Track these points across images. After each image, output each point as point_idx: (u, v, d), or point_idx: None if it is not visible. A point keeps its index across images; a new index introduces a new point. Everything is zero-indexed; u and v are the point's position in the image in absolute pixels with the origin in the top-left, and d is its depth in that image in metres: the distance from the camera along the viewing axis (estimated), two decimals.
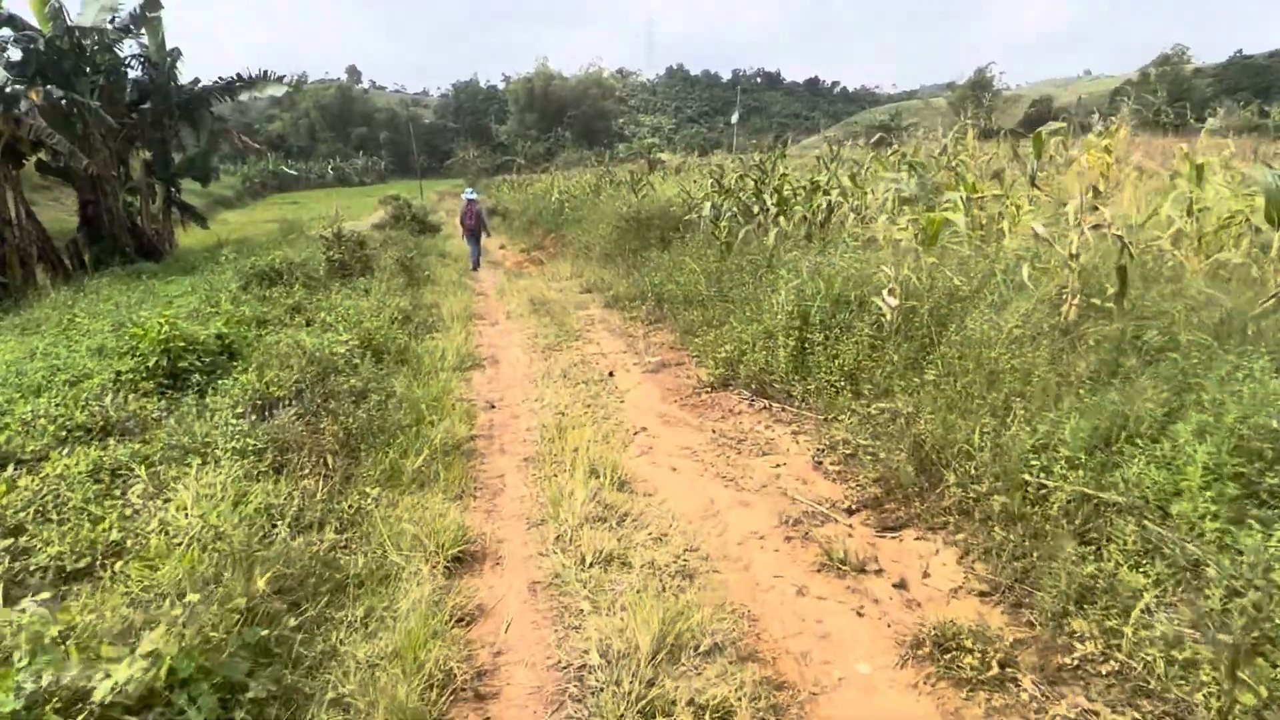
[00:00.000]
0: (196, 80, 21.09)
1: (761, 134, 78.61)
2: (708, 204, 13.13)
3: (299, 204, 54.50)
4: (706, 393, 7.81)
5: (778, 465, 6.00)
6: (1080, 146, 11.48)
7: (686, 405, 7.52)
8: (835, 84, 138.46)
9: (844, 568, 4.48)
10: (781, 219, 11.85)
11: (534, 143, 79.93)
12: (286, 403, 6.40)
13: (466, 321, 11.46)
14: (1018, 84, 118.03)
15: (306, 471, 5.27)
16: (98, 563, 4.09)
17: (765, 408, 7.24)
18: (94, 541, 4.24)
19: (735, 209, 13.32)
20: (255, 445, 5.32)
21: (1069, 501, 4.46)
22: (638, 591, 4.09)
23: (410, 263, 14.08)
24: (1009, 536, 4.44)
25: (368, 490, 5.22)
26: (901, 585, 4.35)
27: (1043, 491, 4.65)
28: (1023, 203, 9.45)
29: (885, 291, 7.30)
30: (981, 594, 4.20)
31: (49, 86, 16.83)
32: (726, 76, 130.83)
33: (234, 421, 5.59)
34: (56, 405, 6.37)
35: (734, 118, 57.19)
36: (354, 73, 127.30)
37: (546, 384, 8.25)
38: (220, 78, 20.94)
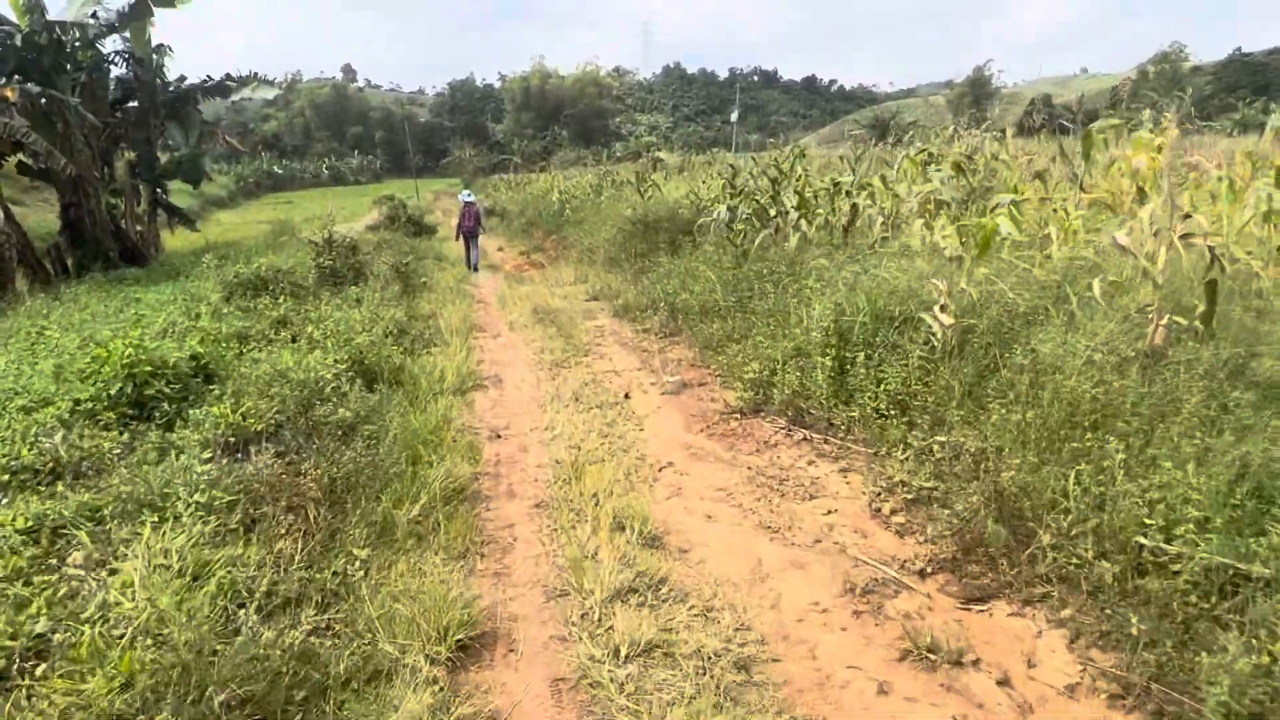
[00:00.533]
0: (183, 78, 20.24)
1: (772, 132, 77.71)
2: (722, 206, 12.33)
3: (293, 204, 53.58)
4: (736, 419, 7.00)
5: (829, 512, 5.20)
6: (1127, 145, 10.72)
7: (715, 435, 6.71)
8: (833, 82, 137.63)
9: (933, 657, 3.68)
10: (803, 223, 11.05)
11: (530, 141, 79.08)
12: (264, 440, 5.59)
13: (466, 334, 10.64)
14: (1014, 82, 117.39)
15: (283, 530, 4.46)
16: (15, 667, 3.28)
17: (805, 439, 6.44)
18: (16, 634, 3.43)
19: (750, 212, 12.52)
20: (223, 499, 4.50)
21: (1202, 573, 3.68)
22: (690, 699, 3.29)
23: (405, 269, 13.25)
24: (1132, 619, 3.64)
25: (355, 551, 4.41)
26: (1005, 681, 3.55)
27: (1164, 559, 3.87)
28: (1069, 207, 8.67)
29: (936, 307, 6.51)
30: (1111, 696, 3.41)
31: (27, 84, 15.96)
32: (724, 75, 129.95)
33: (200, 468, 4.75)
34: (3, 441, 5.56)
35: (734, 115, 56.30)
36: (349, 71, 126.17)
37: (557, 408, 7.44)
38: (209, 77, 20.06)
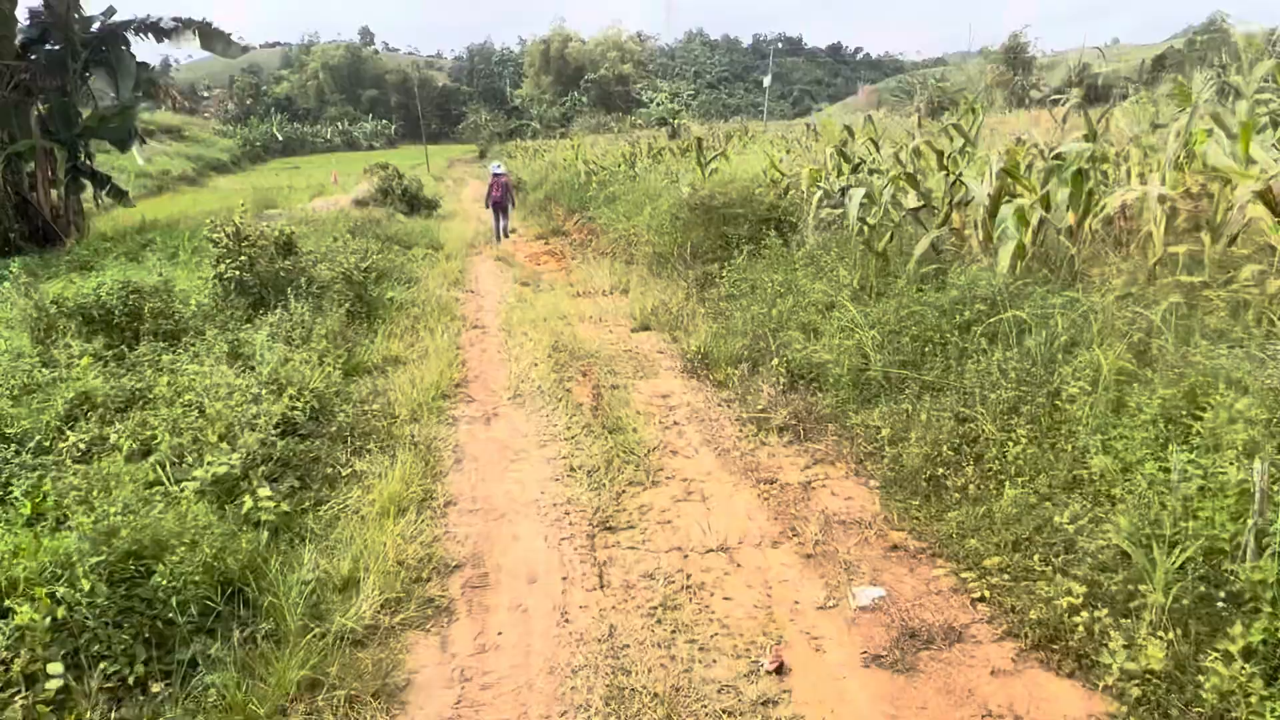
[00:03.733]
0: (112, 10, 15.37)
1: (797, 100, 71.59)
2: (857, 190, 7.48)
3: (299, 169, 49.32)
4: None
5: None
6: None
7: None
8: (858, 50, 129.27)
9: None
10: (1009, 226, 6.31)
11: (549, 107, 73.78)
12: None
13: (438, 413, 5.97)
14: (1046, 51, 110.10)
15: None
16: None
17: None
18: None
19: (889, 199, 7.77)
20: None
21: None
22: None
23: (365, 277, 8.57)
24: None
25: None
26: None
27: None
28: None
29: None
30: None
31: None
32: (747, 41, 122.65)
33: None
34: None
35: (766, 81, 50.67)
36: (366, 34, 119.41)
37: None
38: (150, 15, 15.20)
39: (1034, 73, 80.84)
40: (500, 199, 16.53)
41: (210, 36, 15.84)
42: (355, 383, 6.45)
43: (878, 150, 9.66)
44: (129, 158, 30.37)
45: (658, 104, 70.56)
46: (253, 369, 5.83)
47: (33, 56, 15.22)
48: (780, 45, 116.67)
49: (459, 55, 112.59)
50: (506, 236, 16.68)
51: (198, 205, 24.35)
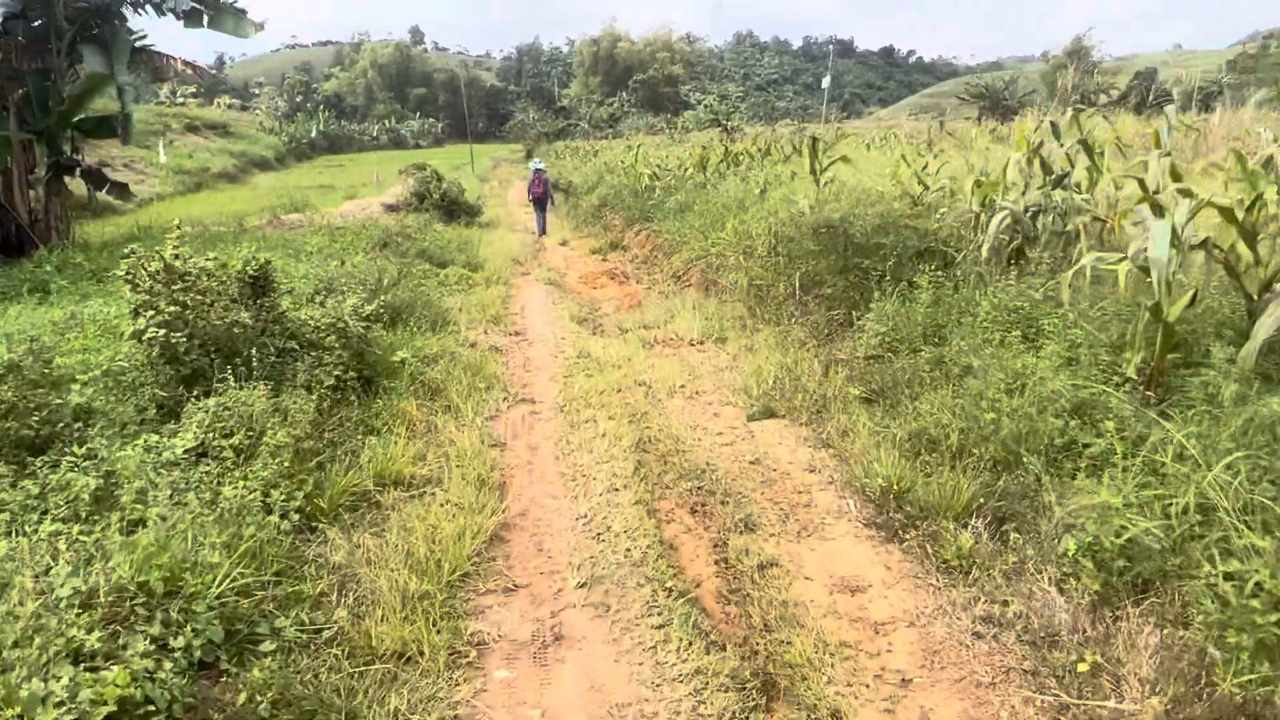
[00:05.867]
0: None
1: (847, 103, 68.15)
2: (1161, 224, 4.52)
3: (344, 167, 47.15)
4: None
5: None
6: None
7: None
8: (911, 53, 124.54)
9: None
10: None
11: (598, 107, 71.30)
12: None
13: (451, 633, 3.21)
14: (1107, 56, 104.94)
15: None
16: None
17: None
18: None
19: (1190, 238, 4.85)
20: None
21: None
22: None
23: (366, 329, 5.91)
24: None
25: None
26: None
27: None
28: None
29: None
30: None
31: None
32: (797, 44, 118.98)
33: None
34: None
35: (825, 82, 47.35)
36: (416, 33, 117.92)
37: None
38: None
39: (1098, 76, 76.16)
40: (541, 194, 16.71)
41: (220, 12, 13.36)
42: (318, 541, 3.74)
43: (1091, 158, 6.73)
44: (155, 154, 28.27)
45: (706, 105, 67.56)
46: (134, 531, 3.17)
47: (7, 37, 12.88)
48: (832, 48, 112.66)
49: (508, 55, 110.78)
50: (544, 233, 16.74)
51: (231, 204, 21.99)
